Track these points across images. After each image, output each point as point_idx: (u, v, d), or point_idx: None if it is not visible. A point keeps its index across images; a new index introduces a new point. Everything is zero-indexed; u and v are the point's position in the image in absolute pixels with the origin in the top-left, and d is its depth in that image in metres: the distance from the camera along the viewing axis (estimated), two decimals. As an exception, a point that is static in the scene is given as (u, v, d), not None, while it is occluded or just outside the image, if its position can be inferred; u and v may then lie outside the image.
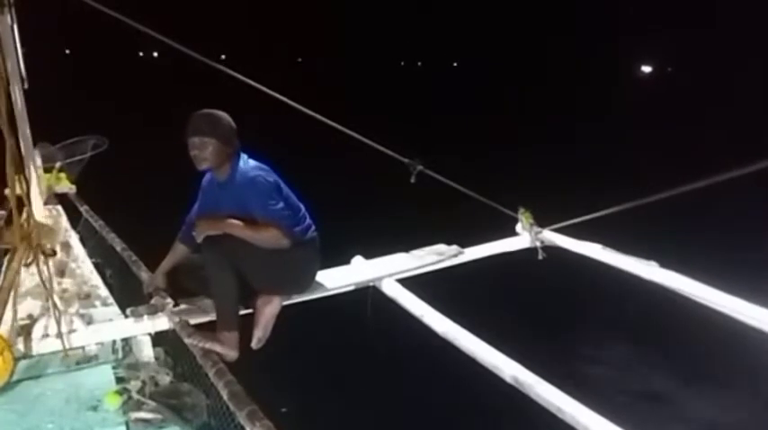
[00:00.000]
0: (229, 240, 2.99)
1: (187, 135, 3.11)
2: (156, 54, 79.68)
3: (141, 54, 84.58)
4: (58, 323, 3.03)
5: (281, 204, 3.10)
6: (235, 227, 3.02)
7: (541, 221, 4.11)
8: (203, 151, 3.08)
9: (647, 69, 69.69)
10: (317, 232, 3.33)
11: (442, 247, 4.05)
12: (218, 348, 2.92)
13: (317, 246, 3.34)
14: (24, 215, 3.29)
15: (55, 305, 3.05)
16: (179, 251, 3.40)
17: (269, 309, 3.19)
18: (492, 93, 38.78)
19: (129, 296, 3.66)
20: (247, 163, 3.16)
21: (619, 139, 19.63)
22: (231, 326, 3.03)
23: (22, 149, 3.94)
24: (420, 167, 4.11)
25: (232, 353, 2.97)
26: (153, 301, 3.27)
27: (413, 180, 4.14)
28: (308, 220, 3.31)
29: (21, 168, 3.18)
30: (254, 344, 3.15)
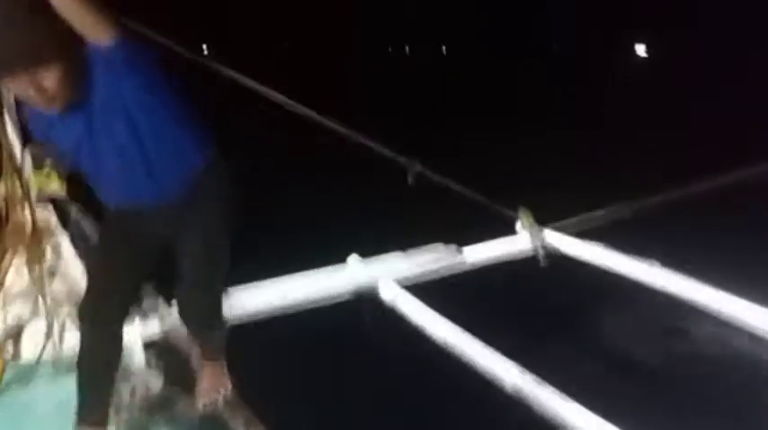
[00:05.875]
0: None
1: None
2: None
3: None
4: (49, 327, 2.96)
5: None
6: None
7: (541, 211, 4.06)
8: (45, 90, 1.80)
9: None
10: None
11: (439, 247, 4.00)
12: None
13: None
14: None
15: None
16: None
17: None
18: (484, 78, 38.00)
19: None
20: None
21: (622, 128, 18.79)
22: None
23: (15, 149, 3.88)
24: (418, 168, 4.05)
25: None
26: (145, 306, 3.20)
27: (410, 181, 4.07)
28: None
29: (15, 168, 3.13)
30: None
